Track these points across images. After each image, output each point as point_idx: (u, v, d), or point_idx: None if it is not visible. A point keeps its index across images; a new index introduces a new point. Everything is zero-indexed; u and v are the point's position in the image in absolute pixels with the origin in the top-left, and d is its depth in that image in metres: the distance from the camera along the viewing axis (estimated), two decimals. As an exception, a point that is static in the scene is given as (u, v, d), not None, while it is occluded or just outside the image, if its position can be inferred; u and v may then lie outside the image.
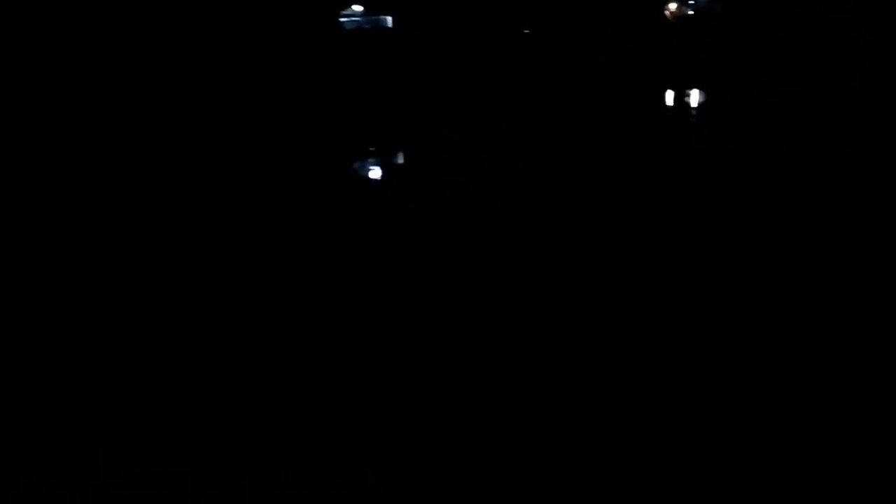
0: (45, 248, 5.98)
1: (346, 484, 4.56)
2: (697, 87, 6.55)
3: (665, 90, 6.56)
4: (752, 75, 6.83)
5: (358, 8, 6.17)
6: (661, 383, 5.31)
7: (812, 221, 6.51)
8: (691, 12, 6.45)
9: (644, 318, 5.97)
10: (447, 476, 4.60)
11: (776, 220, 6.56)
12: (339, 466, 4.65)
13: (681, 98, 6.45)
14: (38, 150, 6.15)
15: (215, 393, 5.27)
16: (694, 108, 6.48)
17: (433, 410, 5.12)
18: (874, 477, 4.43)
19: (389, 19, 6.22)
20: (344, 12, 6.27)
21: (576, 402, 5.18)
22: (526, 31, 6.31)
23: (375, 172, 6.09)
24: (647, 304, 6.11)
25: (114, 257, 5.96)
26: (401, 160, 6.16)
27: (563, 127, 6.69)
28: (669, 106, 6.55)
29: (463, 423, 4.98)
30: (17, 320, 5.72)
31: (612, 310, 6.09)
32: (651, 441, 4.77)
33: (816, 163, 6.67)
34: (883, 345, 5.55)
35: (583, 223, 6.57)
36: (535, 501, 4.46)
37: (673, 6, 6.33)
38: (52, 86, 6.04)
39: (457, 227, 6.45)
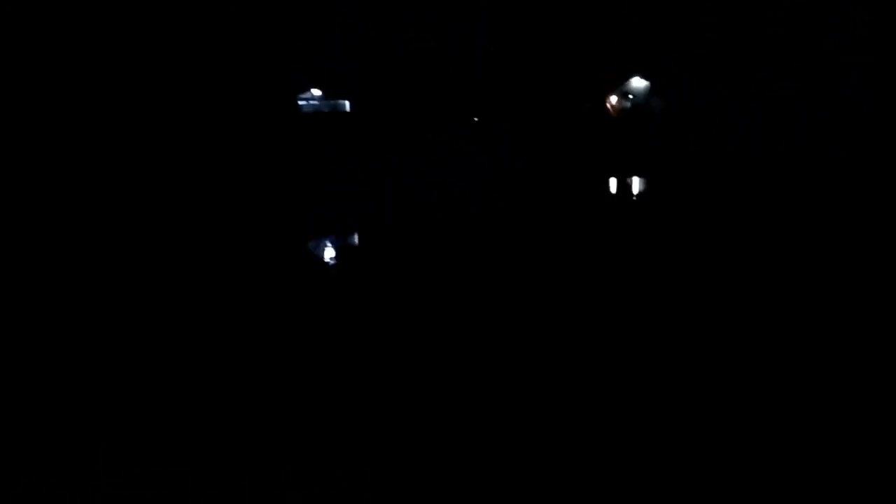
0: (45, 248, 5.98)
1: (346, 484, 4.57)
2: (638, 176, 6.58)
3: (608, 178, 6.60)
4: (748, 73, 6.82)
5: (317, 92, 6.26)
6: (659, 384, 5.31)
7: (810, 221, 6.51)
8: (630, 105, 6.50)
9: (643, 319, 5.97)
10: (447, 476, 4.60)
11: (774, 219, 6.56)
12: (339, 466, 4.65)
13: (624, 188, 6.47)
14: (38, 150, 6.15)
15: (215, 393, 5.28)
16: (636, 196, 6.52)
17: (432, 411, 5.12)
18: (874, 477, 4.43)
19: (347, 104, 6.33)
20: (302, 95, 6.37)
21: (574, 403, 5.18)
22: (475, 119, 6.37)
23: (330, 252, 6.13)
24: (645, 306, 6.10)
25: (115, 259, 5.96)
26: (356, 241, 6.23)
27: (559, 130, 6.68)
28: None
29: (461, 424, 4.98)
30: (17, 320, 5.72)
31: (612, 310, 6.09)
32: (649, 441, 4.78)
33: (814, 162, 6.66)
34: (883, 344, 5.55)
35: (582, 223, 6.56)
36: (535, 501, 4.46)
37: (614, 99, 6.37)
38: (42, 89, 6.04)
39: (456, 228, 6.44)
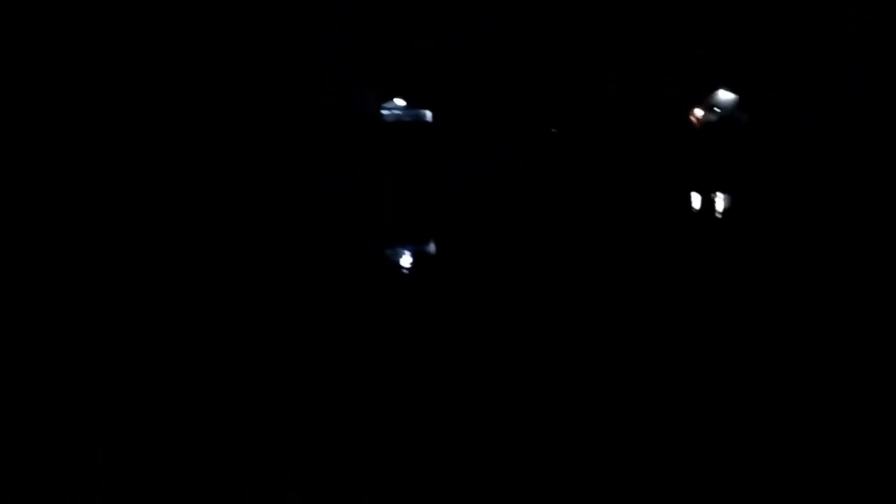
0: (45, 248, 5.98)
1: (346, 484, 4.57)
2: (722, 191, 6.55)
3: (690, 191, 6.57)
4: (748, 73, 6.81)
5: (400, 102, 6.32)
6: (660, 386, 5.31)
7: (810, 221, 6.51)
8: (715, 118, 6.43)
9: (645, 321, 5.97)
10: (447, 476, 4.60)
11: (773, 219, 6.56)
12: (339, 466, 4.65)
13: (707, 201, 6.44)
14: (38, 150, 6.14)
15: (215, 393, 5.28)
16: (720, 212, 6.49)
17: (433, 412, 5.12)
18: (874, 477, 4.43)
19: (429, 114, 6.38)
20: (385, 104, 6.42)
21: (576, 406, 5.18)
22: (553, 131, 6.37)
23: (406, 259, 6.20)
24: (648, 308, 6.10)
25: (114, 258, 5.96)
26: (432, 249, 6.28)
27: (564, 129, 6.67)
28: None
29: (462, 425, 4.98)
30: (17, 320, 5.72)
31: (614, 312, 6.09)
32: (650, 442, 4.78)
33: (814, 162, 6.66)
34: (883, 344, 5.55)
35: (584, 224, 6.56)
36: (535, 501, 4.46)
37: (699, 112, 6.31)
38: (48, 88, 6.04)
39: (456, 228, 6.45)
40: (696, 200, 6.56)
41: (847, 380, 5.26)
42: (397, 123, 6.50)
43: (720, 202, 6.58)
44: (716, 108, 5.89)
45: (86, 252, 6.02)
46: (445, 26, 6.69)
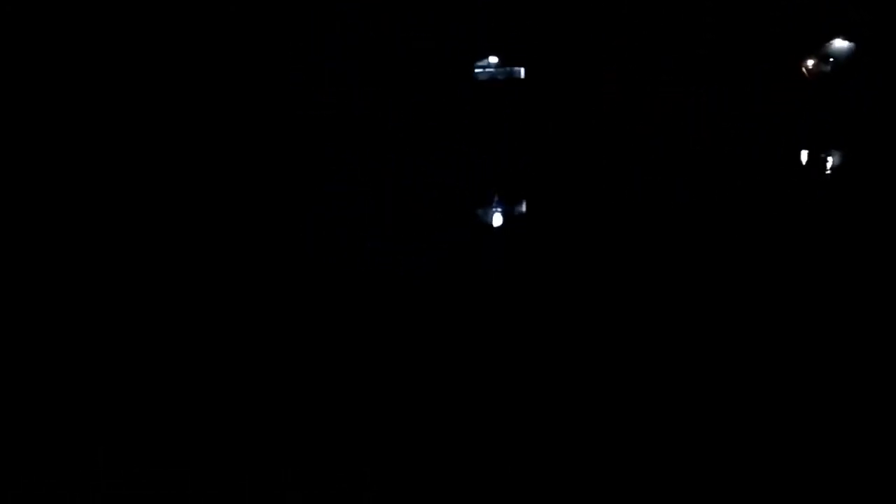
0: (45, 247, 5.98)
1: (346, 484, 4.56)
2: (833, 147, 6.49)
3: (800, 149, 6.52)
4: (748, 73, 6.81)
5: (493, 59, 6.30)
6: (662, 385, 5.30)
7: (810, 221, 6.51)
8: (829, 69, 6.32)
9: (647, 323, 5.97)
10: (447, 476, 4.60)
11: (773, 219, 6.56)
12: (339, 466, 4.64)
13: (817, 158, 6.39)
14: (38, 150, 6.14)
15: (215, 393, 5.27)
16: (830, 169, 6.43)
17: (433, 412, 5.12)
18: (874, 477, 4.43)
19: (522, 71, 6.36)
20: (479, 63, 6.42)
21: (576, 405, 5.17)
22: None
23: (497, 219, 6.23)
24: (650, 310, 6.10)
25: (114, 257, 5.96)
26: (523, 209, 6.30)
27: (566, 128, 6.67)
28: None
29: (463, 425, 4.98)
30: (17, 320, 5.72)
31: (615, 313, 6.09)
32: (652, 442, 4.77)
33: (813, 161, 6.66)
34: (883, 345, 5.54)
35: (584, 224, 6.56)
36: (535, 501, 4.46)
37: (811, 62, 6.20)
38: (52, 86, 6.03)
39: (456, 228, 6.44)
40: (804, 156, 6.46)
41: (845, 380, 5.26)
42: (491, 81, 6.49)
43: (831, 159, 6.48)
44: (830, 59, 5.72)
45: (85, 251, 6.02)
46: (445, 26, 6.68)
